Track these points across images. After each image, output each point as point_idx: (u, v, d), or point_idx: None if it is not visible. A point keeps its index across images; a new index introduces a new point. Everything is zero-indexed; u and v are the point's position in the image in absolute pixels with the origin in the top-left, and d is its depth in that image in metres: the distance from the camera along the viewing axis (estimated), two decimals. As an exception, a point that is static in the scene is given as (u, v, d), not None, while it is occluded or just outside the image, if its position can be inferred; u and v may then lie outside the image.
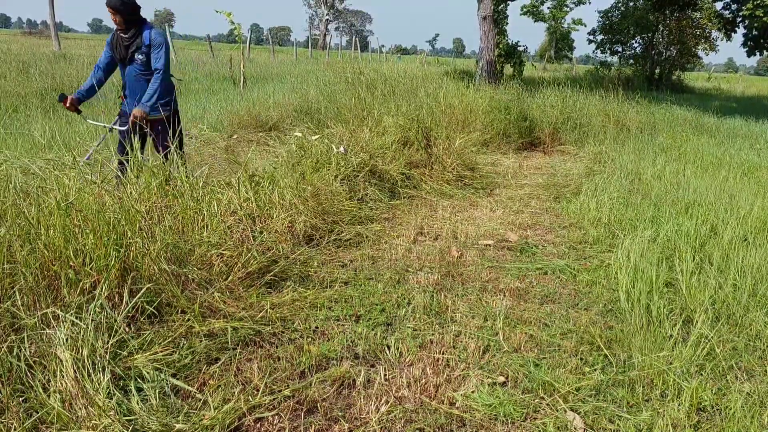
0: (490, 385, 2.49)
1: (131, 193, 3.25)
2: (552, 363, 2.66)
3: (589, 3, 30.73)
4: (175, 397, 2.27)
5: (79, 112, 4.37)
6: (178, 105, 4.57)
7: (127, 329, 2.49)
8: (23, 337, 2.24)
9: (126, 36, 4.23)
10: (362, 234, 4.33)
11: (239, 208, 3.75)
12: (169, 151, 3.89)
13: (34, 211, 2.72)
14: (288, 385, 2.42)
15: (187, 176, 3.66)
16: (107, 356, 2.25)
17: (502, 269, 3.83)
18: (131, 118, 4.19)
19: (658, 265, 3.51)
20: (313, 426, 2.21)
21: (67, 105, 4.27)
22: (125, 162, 3.58)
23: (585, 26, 53.36)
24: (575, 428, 2.24)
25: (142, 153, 4.15)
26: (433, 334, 2.89)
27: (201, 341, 2.63)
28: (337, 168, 4.93)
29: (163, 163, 3.91)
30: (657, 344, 2.73)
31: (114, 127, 4.47)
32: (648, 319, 2.97)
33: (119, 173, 3.55)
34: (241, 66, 12.47)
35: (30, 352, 2.22)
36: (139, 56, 4.24)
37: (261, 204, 3.94)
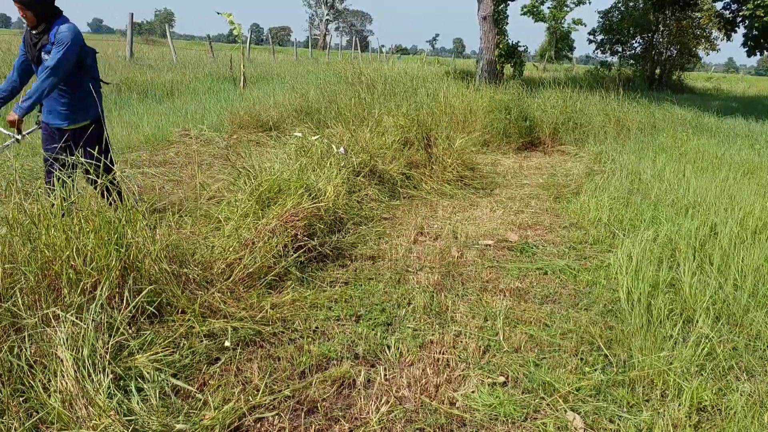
0: (491, 385, 2.49)
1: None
2: (552, 363, 2.66)
3: (589, 3, 30.66)
4: (176, 397, 2.27)
5: None
6: (103, 113, 3.96)
7: (127, 329, 2.48)
8: (24, 337, 2.24)
9: (35, 33, 3.62)
10: (362, 234, 4.33)
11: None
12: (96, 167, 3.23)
13: (36, 211, 2.72)
14: (288, 385, 2.42)
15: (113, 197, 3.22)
16: (107, 356, 2.25)
17: (502, 269, 3.84)
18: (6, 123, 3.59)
19: (659, 265, 3.51)
20: (313, 426, 2.21)
21: None
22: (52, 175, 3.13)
23: (585, 26, 53.37)
24: (575, 428, 2.24)
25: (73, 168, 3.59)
26: (433, 334, 2.89)
27: (201, 341, 2.63)
28: (338, 168, 4.93)
29: (89, 181, 3.41)
30: (657, 344, 2.73)
31: (22, 135, 3.80)
32: (648, 320, 2.97)
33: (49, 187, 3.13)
34: (241, 66, 12.48)
35: (30, 352, 2.22)
36: (45, 56, 3.62)
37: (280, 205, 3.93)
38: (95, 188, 3.37)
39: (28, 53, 3.72)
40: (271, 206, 3.86)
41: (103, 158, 3.28)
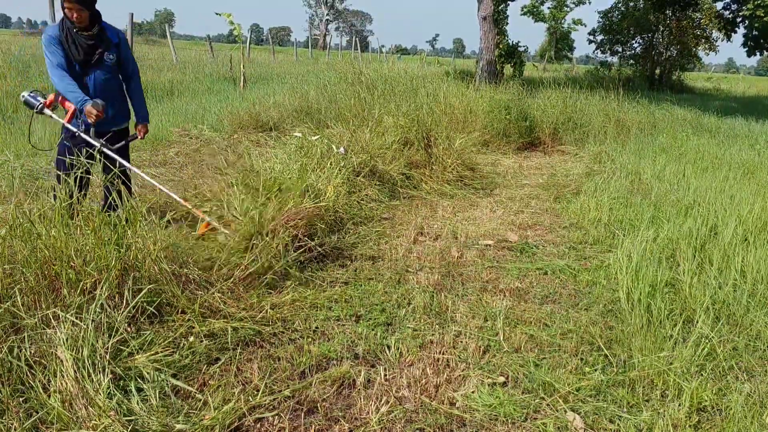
0: (491, 385, 2.49)
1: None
2: (552, 363, 2.66)
3: (589, 3, 30.71)
4: (176, 397, 2.27)
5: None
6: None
7: (127, 329, 2.48)
8: (23, 337, 2.24)
9: (88, 33, 3.51)
10: (362, 234, 4.33)
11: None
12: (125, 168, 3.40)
13: (36, 211, 2.72)
14: (288, 386, 2.42)
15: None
16: (107, 356, 2.25)
17: (502, 269, 3.83)
18: (140, 136, 3.85)
19: (659, 265, 3.51)
20: (313, 426, 2.21)
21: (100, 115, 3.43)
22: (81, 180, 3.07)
23: (585, 26, 53.42)
24: (575, 428, 2.24)
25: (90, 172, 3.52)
26: (433, 334, 2.89)
27: (201, 341, 2.63)
28: (338, 168, 4.93)
29: (121, 180, 3.29)
30: (657, 344, 2.73)
31: (105, 149, 3.58)
32: (648, 320, 2.97)
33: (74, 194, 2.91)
34: (241, 66, 12.48)
35: (30, 352, 2.22)
36: (109, 56, 3.58)
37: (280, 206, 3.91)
38: (110, 192, 3.25)
39: (76, 55, 3.49)
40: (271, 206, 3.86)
41: (126, 162, 3.59)
